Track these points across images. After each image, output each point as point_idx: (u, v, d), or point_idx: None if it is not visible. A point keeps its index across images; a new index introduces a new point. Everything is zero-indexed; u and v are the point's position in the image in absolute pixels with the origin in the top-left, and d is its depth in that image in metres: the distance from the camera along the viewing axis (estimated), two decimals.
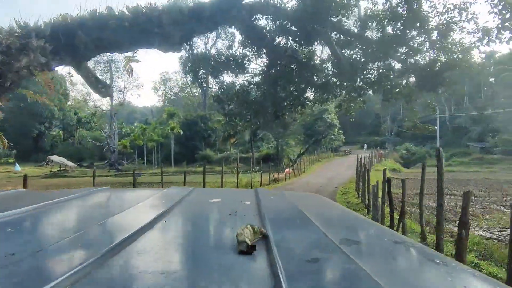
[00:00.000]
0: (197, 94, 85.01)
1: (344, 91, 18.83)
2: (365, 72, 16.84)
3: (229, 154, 55.93)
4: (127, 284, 1.00)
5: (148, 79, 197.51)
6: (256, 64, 18.28)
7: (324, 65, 17.67)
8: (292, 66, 16.51)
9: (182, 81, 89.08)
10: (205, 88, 75.75)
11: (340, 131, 53.89)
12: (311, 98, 18.75)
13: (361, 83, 17.63)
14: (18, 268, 1.05)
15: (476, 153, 59.37)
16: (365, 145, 78.58)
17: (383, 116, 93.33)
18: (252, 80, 18.57)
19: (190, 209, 2.18)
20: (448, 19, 14.19)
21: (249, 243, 1.23)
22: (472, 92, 76.37)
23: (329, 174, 32.34)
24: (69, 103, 74.35)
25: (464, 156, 52.78)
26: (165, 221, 1.67)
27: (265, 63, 17.10)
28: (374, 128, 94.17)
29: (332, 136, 52.11)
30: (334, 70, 17.35)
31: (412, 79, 16.34)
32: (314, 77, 17.80)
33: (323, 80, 17.51)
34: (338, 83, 17.72)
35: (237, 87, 19.83)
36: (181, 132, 58.27)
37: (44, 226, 1.75)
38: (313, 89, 18.22)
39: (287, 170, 35.36)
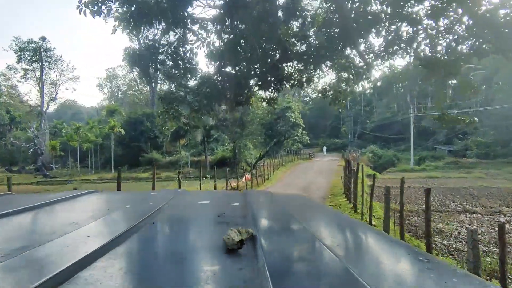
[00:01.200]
0: (145, 91, 76.88)
1: (337, 66, 12.79)
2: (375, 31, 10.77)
3: (179, 157, 48.78)
4: (114, 285, 1.00)
5: (93, 75, 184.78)
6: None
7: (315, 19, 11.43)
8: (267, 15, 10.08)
9: (129, 77, 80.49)
10: (153, 85, 68.11)
11: (304, 131, 48.23)
12: (291, 72, 12.44)
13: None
14: (3, 269, 1.06)
15: (443, 156, 56.02)
16: (325, 148, 74.20)
17: (343, 117, 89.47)
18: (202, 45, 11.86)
19: (178, 211, 2.18)
20: None
21: (236, 240, 1.24)
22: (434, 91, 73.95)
23: (300, 182, 26.35)
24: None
25: (436, 160, 48.76)
26: (153, 223, 1.67)
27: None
28: (333, 130, 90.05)
29: (296, 137, 46.25)
30: (330, 30, 11.22)
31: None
32: (297, 42, 11.64)
33: (313, 43, 11.31)
34: (330, 51, 11.50)
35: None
36: (123, 132, 50.44)
37: (30, 229, 1.75)
38: (294, 59, 11.97)
39: (246, 176, 29.07)
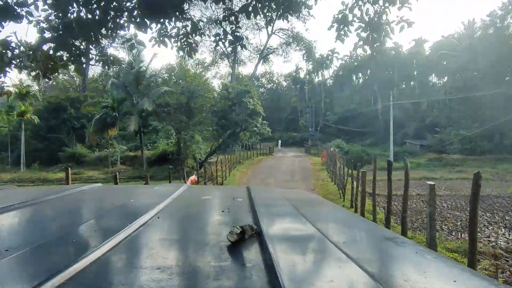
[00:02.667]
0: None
1: None
2: None
3: (110, 152, 38.88)
4: (122, 279, 1.02)
5: None
6: None
7: None
8: None
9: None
10: (83, 65, 56.94)
11: (264, 121, 40.02)
12: None
13: None
14: (5, 265, 1.05)
15: (416, 151, 50.16)
16: (280, 142, 66.77)
17: (301, 109, 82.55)
18: None
19: (183, 206, 2.15)
20: None
21: (237, 232, 1.25)
22: (400, 82, 68.34)
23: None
24: None
25: (415, 156, 42.44)
26: (158, 217, 1.67)
27: None
28: (290, 124, 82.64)
29: (255, 128, 37.89)
30: None
31: None
32: None
33: None
34: None
35: None
36: (37, 120, 39.74)
37: (33, 223, 1.74)
38: None
39: (192, 178, 20.33)
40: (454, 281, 1.05)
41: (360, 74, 78.39)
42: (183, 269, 1.11)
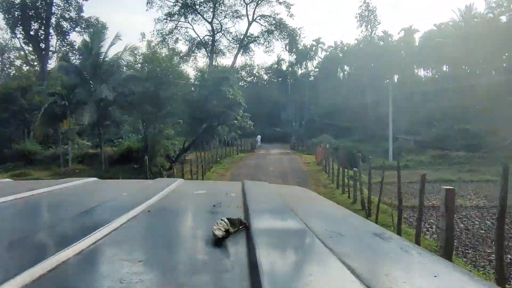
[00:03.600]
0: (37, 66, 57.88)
1: None
2: None
3: (65, 149, 33.01)
4: (102, 271, 1.05)
5: None
6: None
7: None
8: None
9: (10, 42, 60.35)
10: (43, 51, 50.60)
11: (246, 114, 34.98)
12: None
13: None
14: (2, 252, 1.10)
15: (410, 147, 46.13)
16: (259, 137, 61.77)
17: (283, 103, 77.81)
18: None
19: (175, 200, 2.17)
20: None
21: (223, 231, 1.24)
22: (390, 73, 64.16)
23: None
24: None
25: (413, 154, 38.13)
26: (149, 211, 1.70)
27: None
28: (271, 119, 77.38)
29: (235, 121, 32.78)
30: None
31: None
32: None
33: None
34: None
35: None
36: None
37: (25, 215, 1.78)
38: None
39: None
40: (435, 276, 1.06)
41: (346, 67, 74.21)
42: (165, 263, 1.12)
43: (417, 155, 38.76)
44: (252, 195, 2.13)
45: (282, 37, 61.15)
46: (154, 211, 1.72)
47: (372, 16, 58.13)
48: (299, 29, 56.29)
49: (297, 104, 70.13)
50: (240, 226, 1.35)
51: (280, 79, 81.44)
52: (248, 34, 63.25)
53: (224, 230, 1.25)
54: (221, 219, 1.32)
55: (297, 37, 59.01)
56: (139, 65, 33.16)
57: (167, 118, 31.39)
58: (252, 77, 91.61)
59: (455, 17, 49.34)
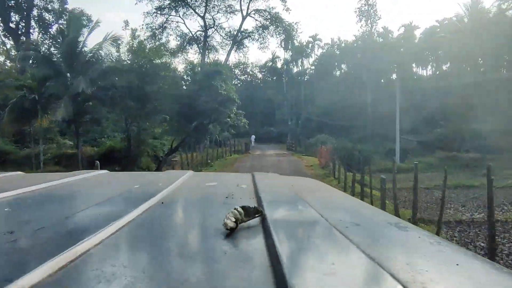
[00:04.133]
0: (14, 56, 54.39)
1: None
2: None
3: (40, 148, 29.80)
4: (123, 261, 1.04)
5: None
6: None
7: None
8: None
9: None
10: (21, 43, 47.21)
11: (240, 111, 32.13)
12: None
13: None
14: (16, 246, 1.09)
15: (414, 148, 43.62)
16: (253, 137, 58.96)
17: (278, 102, 75.08)
18: None
19: (187, 192, 2.18)
20: None
21: (233, 221, 1.22)
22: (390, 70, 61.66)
23: None
24: None
25: (418, 155, 35.45)
26: (162, 203, 1.70)
27: None
28: (265, 118, 74.53)
29: (228, 119, 29.91)
30: None
31: None
32: None
33: None
34: None
35: None
36: None
37: (41, 206, 1.76)
38: None
39: None
40: (457, 264, 1.05)
41: (342, 66, 71.63)
42: (184, 252, 1.13)
43: (423, 157, 36.14)
44: (263, 187, 2.15)
45: (277, 32, 58.25)
46: (168, 203, 1.75)
47: (372, 10, 55.52)
48: (295, 23, 53.18)
49: (293, 103, 67.42)
50: (256, 215, 1.32)
51: (275, 78, 78.69)
52: (242, 29, 60.28)
53: (234, 220, 1.21)
54: (235, 208, 1.29)
55: (294, 32, 55.97)
56: (122, 56, 30.07)
57: (153, 115, 28.45)
58: (246, 76, 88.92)
59: (460, 11, 46.83)
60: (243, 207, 1.29)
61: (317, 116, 59.91)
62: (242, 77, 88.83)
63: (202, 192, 2.21)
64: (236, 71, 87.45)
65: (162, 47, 32.37)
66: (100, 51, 27.47)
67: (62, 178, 2.35)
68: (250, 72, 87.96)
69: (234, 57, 73.88)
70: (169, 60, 31.95)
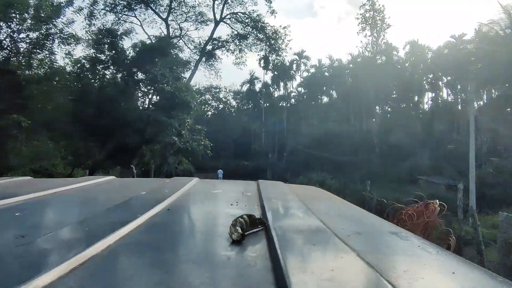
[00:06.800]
0: None
1: None
2: None
3: None
4: (131, 267, 1.08)
5: None
6: None
7: None
8: None
9: None
10: None
11: (200, 126, 18.70)
12: None
13: None
14: (28, 249, 1.11)
15: (441, 194, 30.77)
16: (220, 172, 44.54)
17: (255, 131, 62.29)
18: None
19: (192, 199, 2.24)
20: None
21: (240, 232, 1.25)
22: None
23: None
24: None
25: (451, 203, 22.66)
26: (168, 210, 1.73)
27: None
28: (240, 149, 61.17)
29: (175, 139, 16.27)
30: None
31: None
32: None
33: None
34: None
35: None
36: None
37: (51, 211, 1.85)
38: None
39: None
40: (453, 272, 1.09)
41: (334, 88, 59.93)
42: (190, 258, 1.15)
43: (479, 212, 23.64)
44: (268, 195, 2.16)
45: (258, 44, 45.28)
46: (174, 210, 1.76)
47: (379, 18, 44.10)
48: (283, 28, 40.45)
49: (273, 132, 54.69)
50: (260, 225, 1.37)
51: (251, 104, 66.33)
52: (214, 37, 46.91)
53: (240, 232, 1.24)
54: (240, 217, 1.34)
55: (280, 41, 43.09)
56: None
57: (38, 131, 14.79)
58: (218, 102, 76.15)
59: (503, 16, 36.16)
60: (248, 216, 1.35)
61: (305, 148, 46.87)
62: (214, 104, 76.43)
63: (208, 199, 2.30)
64: (207, 95, 75.15)
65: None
66: None
67: (71, 184, 2.42)
68: (224, 99, 75.51)
69: (204, 78, 60.59)
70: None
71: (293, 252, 1.15)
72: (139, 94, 16.39)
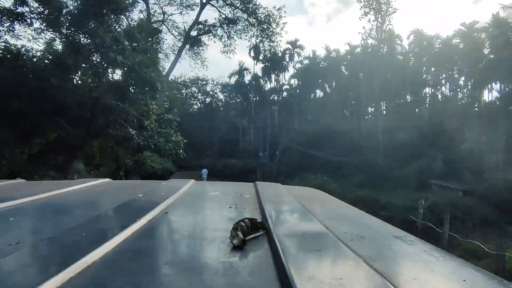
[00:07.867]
0: None
1: None
2: None
3: None
4: (131, 272, 1.05)
5: None
6: None
7: None
8: None
9: None
10: None
11: (172, 117, 13.62)
12: None
13: None
14: (22, 257, 1.09)
15: (458, 201, 26.42)
16: (205, 171, 39.39)
17: (244, 128, 57.55)
18: None
19: (190, 202, 2.18)
20: None
21: (241, 237, 1.24)
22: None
23: None
24: None
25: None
26: (166, 213, 1.70)
27: None
28: (225, 147, 56.45)
29: (133, 133, 11.15)
30: None
31: None
32: None
33: None
34: None
35: None
36: None
37: (46, 216, 1.76)
38: None
39: None
40: (464, 280, 1.07)
41: (326, 84, 55.33)
42: (191, 265, 1.12)
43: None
44: (266, 197, 2.12)
45: (249, 25, 40.14)
46: (172, 213, 1.72)
47: (383, 0, 39.40)
48: (277, 10, 35.37)
49: (265, 128, 49.91)
50: (261, 230, 1.35)
51: (240, 98, 61.42)
52: (200, 21, 41.49)
53: (241, 238, 1.22)
54: (241, 221, 1.32)
55: (274, 24, 37.96)
56: None
57: None
58: (205, 96, 70.95)
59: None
60: (250, 220, 1.33)
61: (300, 146, 42.10)
62: (200, 97, 71.24)
63: (205, 202, 2.25)
64: (194, 88, 69.91)
65: None
66: None
67: (66, 187, 2.36)
68: (211, 92, 70.35)
69: (189, 68, 55.33)
70: None
71: (298, 259, 1.11)
72: (84, 68, 11.28)
